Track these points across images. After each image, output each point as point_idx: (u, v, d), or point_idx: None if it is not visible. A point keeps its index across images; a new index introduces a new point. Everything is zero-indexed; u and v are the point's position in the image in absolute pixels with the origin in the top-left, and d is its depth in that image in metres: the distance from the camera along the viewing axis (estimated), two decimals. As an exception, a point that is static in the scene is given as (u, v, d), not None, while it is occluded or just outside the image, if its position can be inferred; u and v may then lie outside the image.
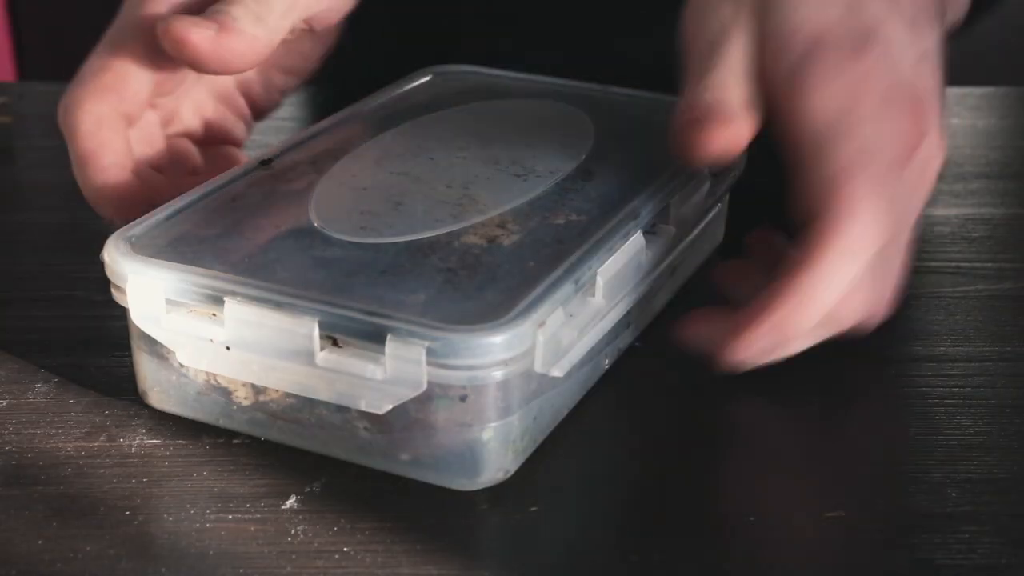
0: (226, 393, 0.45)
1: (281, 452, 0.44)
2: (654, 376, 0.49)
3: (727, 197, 0.58)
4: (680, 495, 0.43)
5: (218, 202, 0.49)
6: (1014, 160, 0.71)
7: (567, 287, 0.44)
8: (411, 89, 0.62)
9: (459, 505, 0.42)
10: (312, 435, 0.44)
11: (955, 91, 0.80)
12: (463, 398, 0.41)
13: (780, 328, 0.44)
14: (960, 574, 0.39)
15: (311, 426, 0.44)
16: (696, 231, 0.54)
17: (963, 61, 0.86)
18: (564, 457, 0.45)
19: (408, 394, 0.41)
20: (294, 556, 0.40)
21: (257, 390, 0.44)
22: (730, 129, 0.45)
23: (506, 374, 0.41)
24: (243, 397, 0.44)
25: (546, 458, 0.45)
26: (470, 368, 0.40)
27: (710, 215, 0.56)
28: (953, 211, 0.64)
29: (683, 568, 0.40)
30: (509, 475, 0.43)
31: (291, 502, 0.42)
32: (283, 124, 0.72)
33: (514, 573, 0.40)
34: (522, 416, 0.43)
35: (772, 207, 0.47)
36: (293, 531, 0.41)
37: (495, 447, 0.42)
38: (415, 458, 0.43)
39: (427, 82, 0.63)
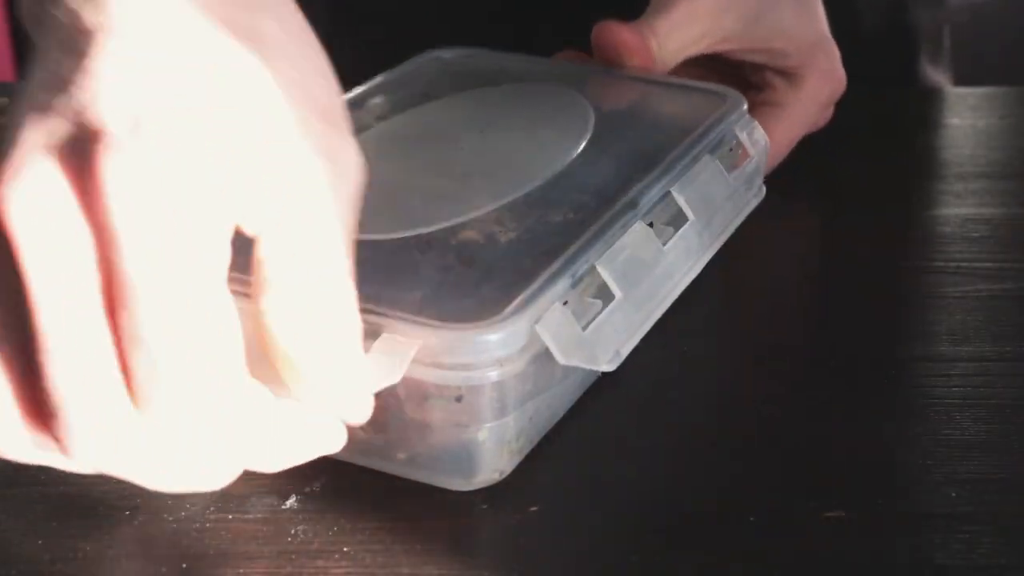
0: None
1: (281, 452, 0.44)
2: (653, 376, 0.49)
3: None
4: (679, 495, 0.43)
5: None
6: (1014, 160, 0.71)
7: (563, 283, 0.44)
8: (410, 73, 0.62)
9: (459, 505, 0.42)
10: None
11: (955, 91, 0.80)
12: (459, 398, 0.41)
13: None
14: (960, 574, 0.39)
15: None
16: (718, 215, 0.54)
17: (964, 61, 0.86)
18: (563, 457, 0.45)
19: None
20: (294, 556, 0.40)
21: None
22: None
23: (501, 374, 0.41)
24: None
25: (545, 458, 0.45)
26: (465, 367, 0.40)
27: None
28: (953, 211, 0.64)
29: (683, 568, 0.40)
30: (505, 475, 0.43)
31: (291, 502, 0.42)
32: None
33: (513, 573, 0.40)
34: (518, 416, 0.43)
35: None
36: (293, 531, 0.41)
37: (491, 447, 0.42)
38: (411, 458, 0.43)
39: (426, 66, 0.63)
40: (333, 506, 0.42)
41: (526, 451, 0.44)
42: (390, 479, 0.43)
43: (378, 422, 0.42)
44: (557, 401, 0.46)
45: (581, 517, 0.42)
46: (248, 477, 0.43)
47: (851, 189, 0.66)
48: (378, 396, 0.42)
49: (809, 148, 0.65)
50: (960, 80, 0.87)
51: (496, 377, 0.41)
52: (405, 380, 0.40)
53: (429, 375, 0.40)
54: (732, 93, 0.59)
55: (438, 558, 0.40)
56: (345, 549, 0.40)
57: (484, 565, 0.40)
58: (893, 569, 0.40)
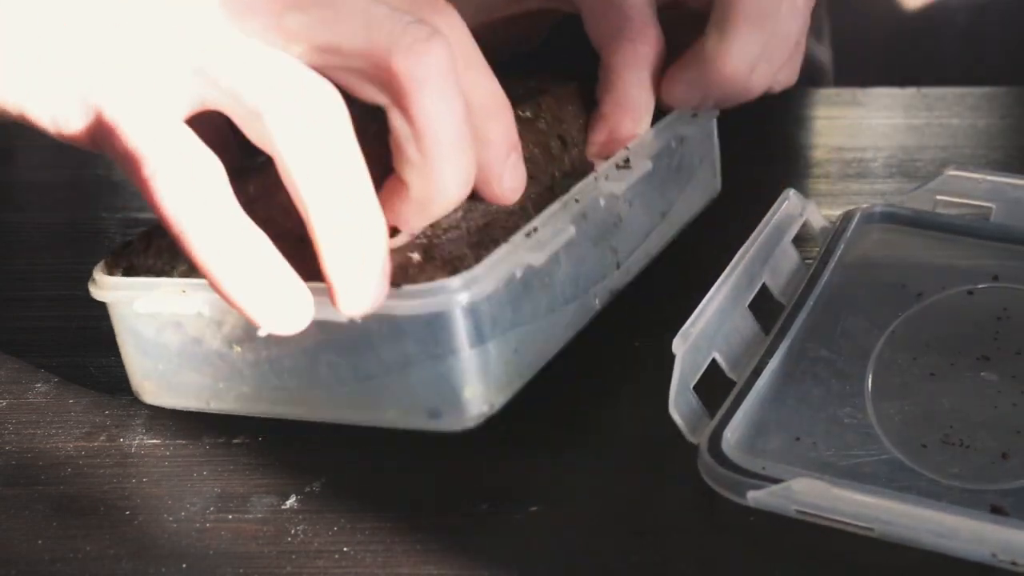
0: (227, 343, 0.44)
1: (281, 452, 0.44)
2: (654, 375, 0.49)
3: (717, 148, 0.57)
4: (680, 495, 0.43)
5: None
6: (1014, 160, 0.71)
7: None
8: None
9: (459, 505, 0.42)
10: (301, 399, 0.43)
11: (955, 91, 0.80)
12: (430, 325, 0.41)
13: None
14: (960, 572, 0.39)
15: (299, 388, 0.43)
16: (672, 164, 0.54)
17: (964, 61, 0.86)
18: (563, 457, 0.45)
19: None
20: (294, 556, 0.40)
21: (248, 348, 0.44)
22: None
23: (471, 296, 0.40)
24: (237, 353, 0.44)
25: (546, 458, 0.45)
26: (433, 293, 0.40)
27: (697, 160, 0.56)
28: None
29: (683, 568, 0.40)
30: (495, 409, 0.42)
31: (291, 502, 0.42)
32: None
33: (514, 573, 0.40)
34: (499, 346, 0.42)
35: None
36: (293, 531, 0.41)
37: (474, 377, 0.41)
38: (397, 404, 0.42)
39: None
40: (333, 506, 0.42)
41: (516, 387, 0.44)
42: (390, 479, 0.43)
43: (360, 371, 0.42)
44: (544, 337, 0.45)
45: (581, 517, 0.42)
46: (248, 477, 0.43)
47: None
48: (359, 346, 0.41)
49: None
50: (960, 80, 0.87)
51: (466, 301, 0.40)
52: (377, 318, 0.40)
53: (399, 307, 0.40)
54: None
55: (438, 558, 0.40)
56: (345, 549, 0.40)
57: (484, 565, 0.40)
58: (893, 567, 0.40)
